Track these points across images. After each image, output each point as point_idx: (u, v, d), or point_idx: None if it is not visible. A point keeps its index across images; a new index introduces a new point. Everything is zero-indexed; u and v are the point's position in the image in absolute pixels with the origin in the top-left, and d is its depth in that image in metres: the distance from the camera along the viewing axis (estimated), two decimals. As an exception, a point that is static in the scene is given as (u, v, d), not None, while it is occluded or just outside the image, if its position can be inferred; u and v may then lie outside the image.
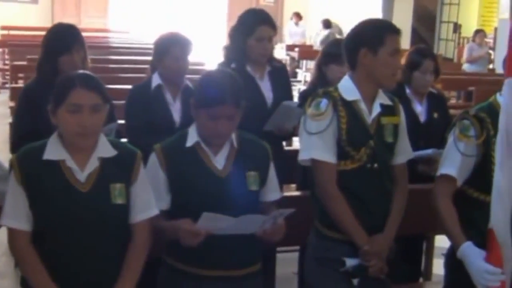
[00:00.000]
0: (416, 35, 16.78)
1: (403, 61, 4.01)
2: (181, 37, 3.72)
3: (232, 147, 2.63)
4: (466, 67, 12.01)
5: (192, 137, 2.61)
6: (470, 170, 2.69)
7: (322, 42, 14.56)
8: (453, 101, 11.18)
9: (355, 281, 2.77)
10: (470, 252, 2.56)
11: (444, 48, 17.44)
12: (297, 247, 3.96)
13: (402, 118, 2.90)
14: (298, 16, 17.16)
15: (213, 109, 2.51)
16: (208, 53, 11.31)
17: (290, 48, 15.43)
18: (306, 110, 2.79)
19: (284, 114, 3.64)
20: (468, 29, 15.34)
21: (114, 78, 7.06)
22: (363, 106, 2.78)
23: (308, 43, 17.10)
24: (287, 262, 4.38)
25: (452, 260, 2.74)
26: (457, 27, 17.11)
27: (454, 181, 2.70)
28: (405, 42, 13.82)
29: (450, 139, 2.73)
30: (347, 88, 2.79)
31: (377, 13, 15.96)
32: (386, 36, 2.74)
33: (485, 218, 2.56)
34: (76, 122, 2.34)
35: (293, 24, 17.25)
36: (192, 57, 3.82)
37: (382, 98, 2.83)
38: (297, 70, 15.29)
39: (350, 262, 2.74)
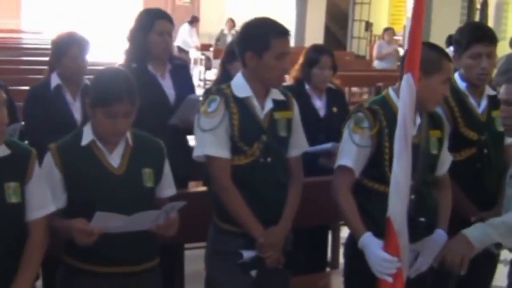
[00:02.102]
0: (329, 33, 17.12)
1: (301, 59, 4.13)
2: (79, 36, 3.70)
3: (127, 145, 2.65)
4: (376, 64, 12.32)
5: (87, 136, 2.62)
6: (365, 161, 2.79)
7: (234, 41, 14.51)
8: (365, 97, 11.47)
9: (253, 273, 2.81)
10: (369, 242, 2.64)
11: (357, 45, 17.87)
12: (206, 243, 3.98)
13: (295, 112, 2.95)
14: (195, 19, 15.86)
15: (110, 107, 2.52)
16: (121, 53, 11.16)
17: (204, 47, 15.33)
18: (200, 108, 2.83)
19: (190, 107, 3.61)
20: (379, 28, 15.70)
21: (25, 79, 6.88)
22: (255, 102, 2.82)
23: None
24: (196, 259, 4.37)
25: (351, 249, 2.84)
26: (368, 26, 17.54)
27: (351, 172, 2.79)
28: (319, 40, 14.10)
29: (346, 132, 2.82)
30: (239, 85, 2.83)
31: (291, 12, 16.21)
32: (271, 39, 2.73)
33: (379, 207, 2.66)
34: None
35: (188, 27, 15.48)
36: (101, 57, 3.79)
37: (275, 94, 2.88)
38: (212, 69, 15.27)
39: (247, 254, 2.78)
